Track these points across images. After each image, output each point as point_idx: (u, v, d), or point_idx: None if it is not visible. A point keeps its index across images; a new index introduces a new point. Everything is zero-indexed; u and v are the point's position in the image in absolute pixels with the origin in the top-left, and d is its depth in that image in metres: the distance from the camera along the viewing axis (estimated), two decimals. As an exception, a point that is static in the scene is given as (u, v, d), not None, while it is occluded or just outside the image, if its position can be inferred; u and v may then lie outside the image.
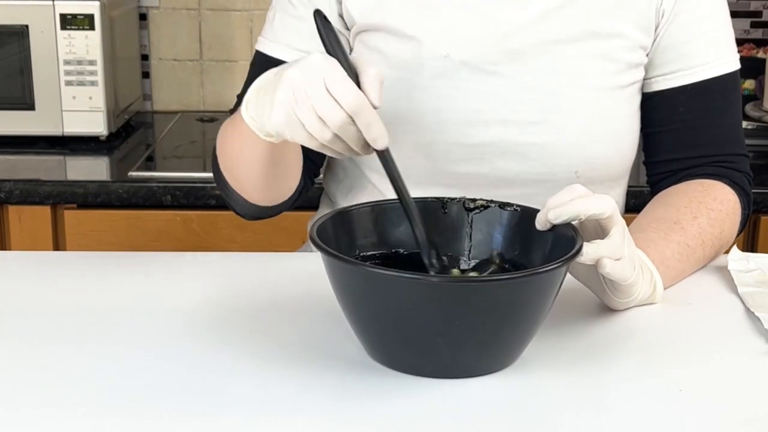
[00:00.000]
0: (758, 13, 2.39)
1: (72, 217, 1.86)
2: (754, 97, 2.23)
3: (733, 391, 0.94)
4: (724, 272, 1.19)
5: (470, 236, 1.05)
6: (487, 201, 1.05)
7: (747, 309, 1.11)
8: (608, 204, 0.97)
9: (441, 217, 1.05)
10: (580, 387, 0.94)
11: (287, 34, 1.24)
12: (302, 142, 0.96)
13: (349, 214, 1.02)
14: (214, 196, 1.85)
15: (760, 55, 2.24)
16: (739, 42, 2.36)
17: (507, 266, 1.03)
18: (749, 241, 1.89)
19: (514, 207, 1.04)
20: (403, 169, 1.01)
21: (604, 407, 0.91)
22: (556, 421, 0.89)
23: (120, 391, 0.92)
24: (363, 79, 0.93)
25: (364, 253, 1.02)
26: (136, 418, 0.87)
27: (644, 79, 1.26)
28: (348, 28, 1.25)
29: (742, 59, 2.21)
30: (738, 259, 1.19)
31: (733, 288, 1.16)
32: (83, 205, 1.85)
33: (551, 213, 0.96)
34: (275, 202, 1.21)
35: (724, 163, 1.26)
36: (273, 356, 0.98)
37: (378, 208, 1.04)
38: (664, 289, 1.11)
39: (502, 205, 1.04)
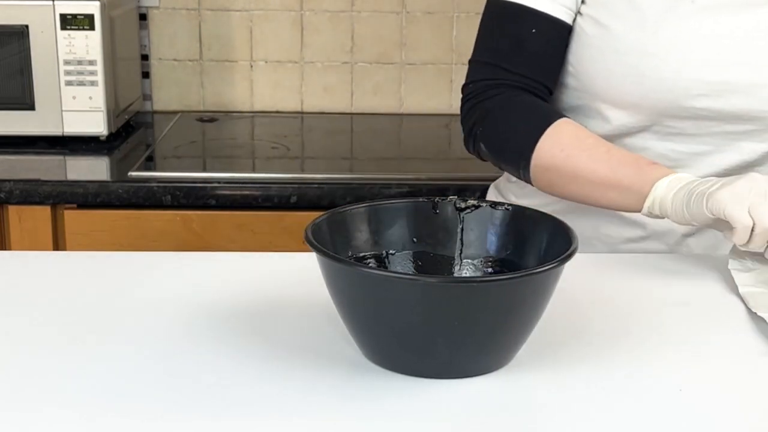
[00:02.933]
0: (758, 13, 2.39)
1: (72, 217, 1.86)
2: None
3: (733, 391, 0.94)
4: (724, 272, 1.20)
5: (462, 236, 1.05)
6: (478, 201, 1.06)
7: (747, 309, 1.11)
8: None
9: (432, 217, 1.06)
10: (578, 386, 0.94)
11: None
12: (738, 217, 1.10)
13: (344, 214, 1.02)
14: (214, 196, 1.85)
15: (760, 55, 2.24)
16: (740, 42, 2.36)
17: (500, 266, 1.04)
18: (749, 241, 1.89)
19: (506, 206, 1.05)
20: (642, 101, 1.28)
21: (602, 407, 0.91)
22: (556, 420, 0.89)
23: (120, 391, 0.92)
24: None
25: (358, 255, 1.03)
26: (136, 417, 0.87)
27: None
28: None
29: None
30: (738, 259, 1.19)
31: (733, 288, 1.16)
32: (83, 205, 1.85)
33: None
34: None
35: None
36: (271, 357, 0.98)
37: (372, 208, 1.05)
38: None
39: (494, 205, 1.05)
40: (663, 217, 1.19)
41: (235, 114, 2.40)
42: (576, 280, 1.18)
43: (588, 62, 1.32)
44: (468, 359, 0.93)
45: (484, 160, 1.36)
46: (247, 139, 2.27)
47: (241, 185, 1.87)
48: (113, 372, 0.95)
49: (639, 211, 1.21)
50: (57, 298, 1.12)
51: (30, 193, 1.84)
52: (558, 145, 1.26)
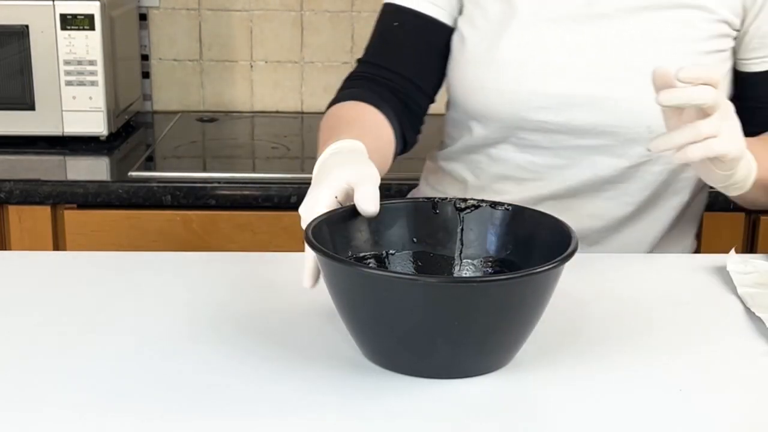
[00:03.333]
0: (758, 13, 2.39)
1: (72, 217, 1.86)
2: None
3: (733, 391, 0.94)
4: (723, 273, 1.19)
5: (462, 236, 1.05)
6: (478, 201, 1.06)
7: (746, 309, 1.11)
8: (710, 96, 1.04)
9: (432, 217, 1.06)
10: (578, 386, 0.94)
11: None
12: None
13: (344, 214, 1.02)
14: (214, 196, 1.85)
15: (760, 55, 2.24)
16: (739, 42, 2.36)
17: (500, 266, 1.04)
18: (749, 241, 1.89)
19: (505, 206, 1.05)
20: (489, 113, 1.29)
21: (602, 407, 0.91)
22: (556, 421, 0.89)
23: (120, 390, 0.92)
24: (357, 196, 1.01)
25: (358, 255, 1.02)
26: (137, 417, 0.87)
27: (746, 60, 1.32)
28: None
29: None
30: (736, 261, 1.19)
31: (732, 289, 1.16)
32: (83, 205, 1.85)
33: (682, 74, 1.03)
34: None
35: None
36: (270, 357, 0.98)
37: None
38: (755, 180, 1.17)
39: (494, 205, 1.05)
40: None
41: (235, 114, 2.40)
42: (576, 279, 1.19)
43: (451, 73, 1.34)
44: (468, 359, 0.93)
45: None
46: (247, 139, 2.27)
47: (241, 185, 1.87)
48: (113, 372, 0.95)
49: None
50: (57, 298, 1.12)
51: (30, 193, 1.84)
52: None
